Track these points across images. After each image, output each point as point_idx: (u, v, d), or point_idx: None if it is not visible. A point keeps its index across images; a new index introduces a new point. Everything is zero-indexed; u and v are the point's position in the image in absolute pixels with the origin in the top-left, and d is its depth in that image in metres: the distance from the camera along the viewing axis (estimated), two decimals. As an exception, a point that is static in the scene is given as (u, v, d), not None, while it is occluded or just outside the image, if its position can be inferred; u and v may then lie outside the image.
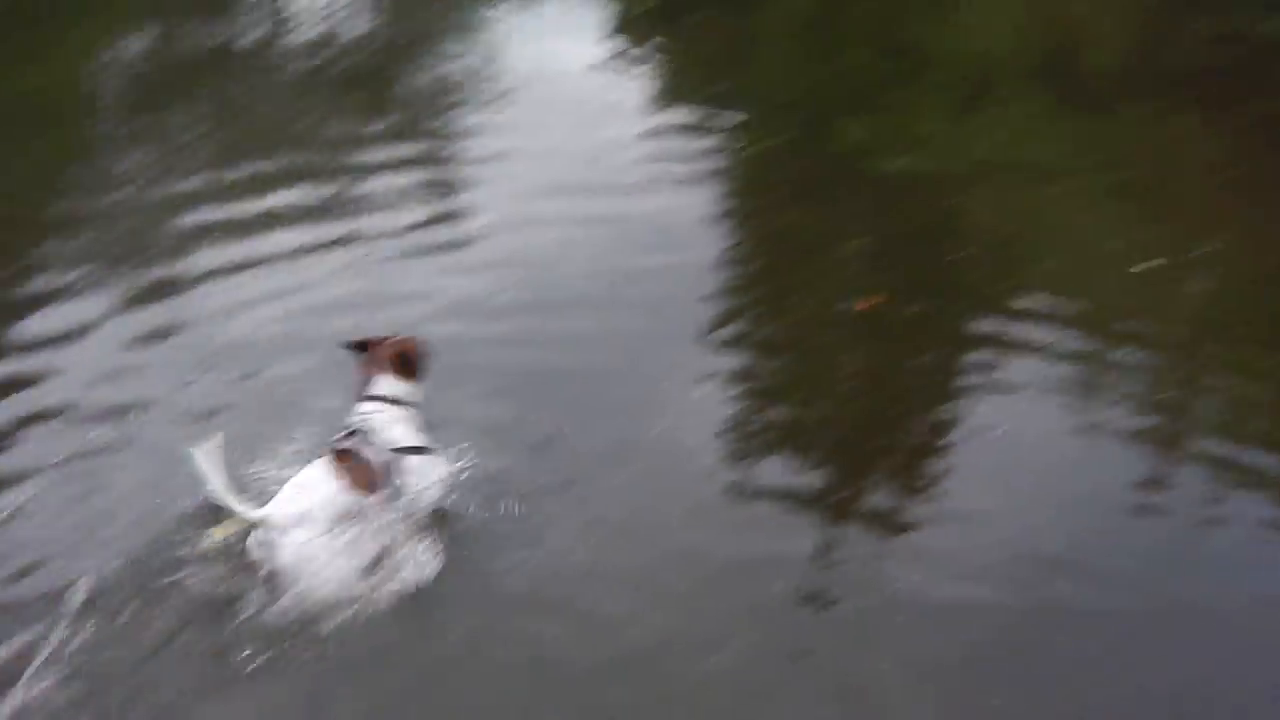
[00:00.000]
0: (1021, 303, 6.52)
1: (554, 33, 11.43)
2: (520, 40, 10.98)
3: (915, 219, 7.59)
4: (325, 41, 10.81)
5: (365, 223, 6.91)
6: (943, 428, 5.52)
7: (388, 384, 4.31)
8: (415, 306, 5.82)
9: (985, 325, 6.31)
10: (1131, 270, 6.90)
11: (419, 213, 7.11)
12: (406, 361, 4.35)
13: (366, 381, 4.32)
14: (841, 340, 5.99)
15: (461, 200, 7.35)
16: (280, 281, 6.15)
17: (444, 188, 7.50)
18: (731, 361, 5.72)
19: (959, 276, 6.82)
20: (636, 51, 11.22)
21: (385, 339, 4.39)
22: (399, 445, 4.20)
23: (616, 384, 5.26)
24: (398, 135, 8.38)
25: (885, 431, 5.39)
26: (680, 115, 9.42)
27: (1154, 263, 6.94)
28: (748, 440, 5.16)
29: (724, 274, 6.67)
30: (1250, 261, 7.48)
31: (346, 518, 3.98)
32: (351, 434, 4.17)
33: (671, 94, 9.99)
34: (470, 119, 8.84)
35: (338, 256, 6.46)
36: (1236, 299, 6.93)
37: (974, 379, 5.86)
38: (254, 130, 8.55)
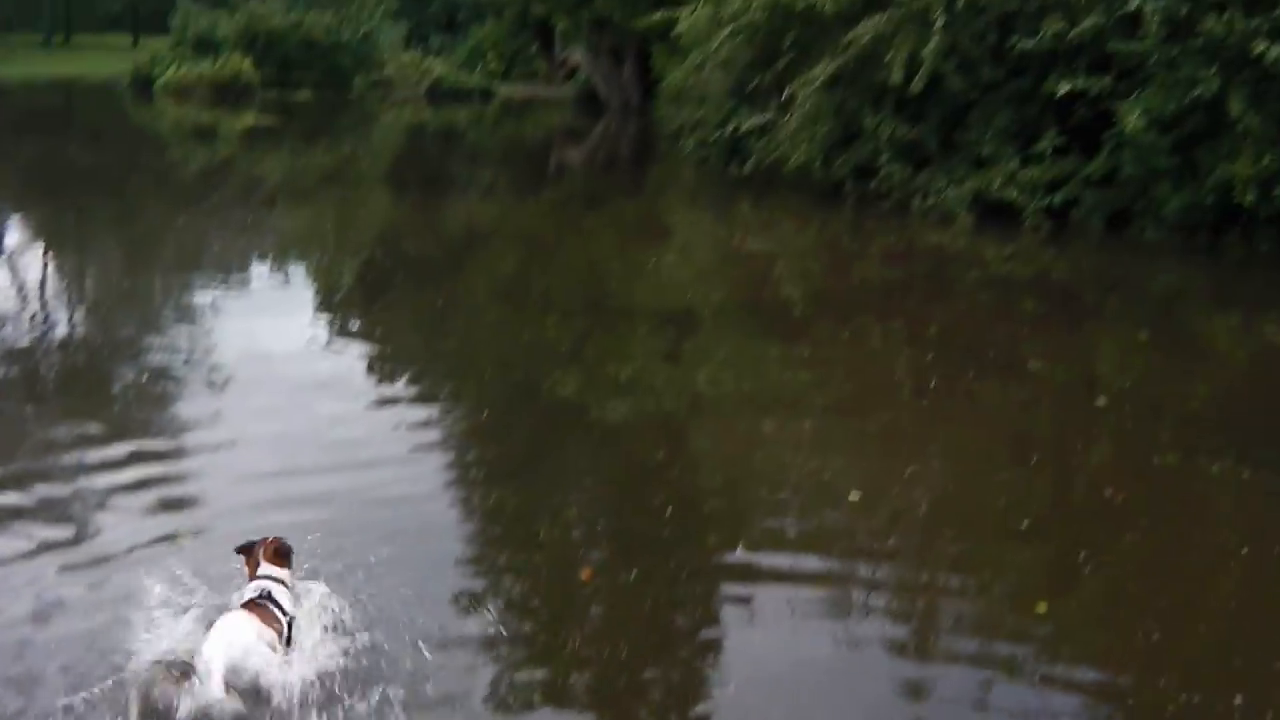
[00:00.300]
0: (754, 535, 6.65)
1: (262, 315, 11.32)
2: (230, 326, 10.81)
3: (637, 464, 7.70)
4: (32, 348, 10.37)
5: (87, 525, 6.51)
6: (701, 666, 5.46)
7: (268, 569, 5.19)
8: (138, 607, 5.46)
9: (723, 560, 6.38)
10: (850, 498, 7.14)
11: (140, 510, 6.74)
12: (280, 552, 5.31)
13: (255, 568, 5.23)
14: (583, 601, 5.90)
15: (185, 492, 7.02)
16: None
17: (166, 483, 7.15)
18: (476, 627, 5.55)
19: (691, 512, 6.89)
20: (345, 328, 11.24)
21: (263, 540, 5.35)
22: (286, 609, 4.99)
23: (362, 656, 5.01)
24: (116, 434, 7.97)
25: (642, 680, 5.29)
26: (395, 389, 9.41)
27: (856, 494, 7.21)
28: (504, 702, 4.99)
29: (458, 545, 6.54)
30: (963, 464, 7.88)
31: (265, 647, 4.67)
32: (257, 598, 4.96)
33: (383, 368, 9.96)
34: (188, 409, 8.51)
35: (57, 559, 6.03)
36: (957, 501, 7.26)
37: (724, 613, 5.86)
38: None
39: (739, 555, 6.37)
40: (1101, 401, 9.42)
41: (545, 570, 6.27)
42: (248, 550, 5.36)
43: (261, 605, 4.90)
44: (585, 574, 6.10)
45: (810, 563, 6.28)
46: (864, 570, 6.25)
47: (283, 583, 5.15)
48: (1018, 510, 6.99)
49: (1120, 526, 6.86)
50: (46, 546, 6.17)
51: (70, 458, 7.50)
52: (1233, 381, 10.45)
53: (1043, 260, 15.48)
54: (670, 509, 6.88)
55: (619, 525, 6.76)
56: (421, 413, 8.65)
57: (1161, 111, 15.33)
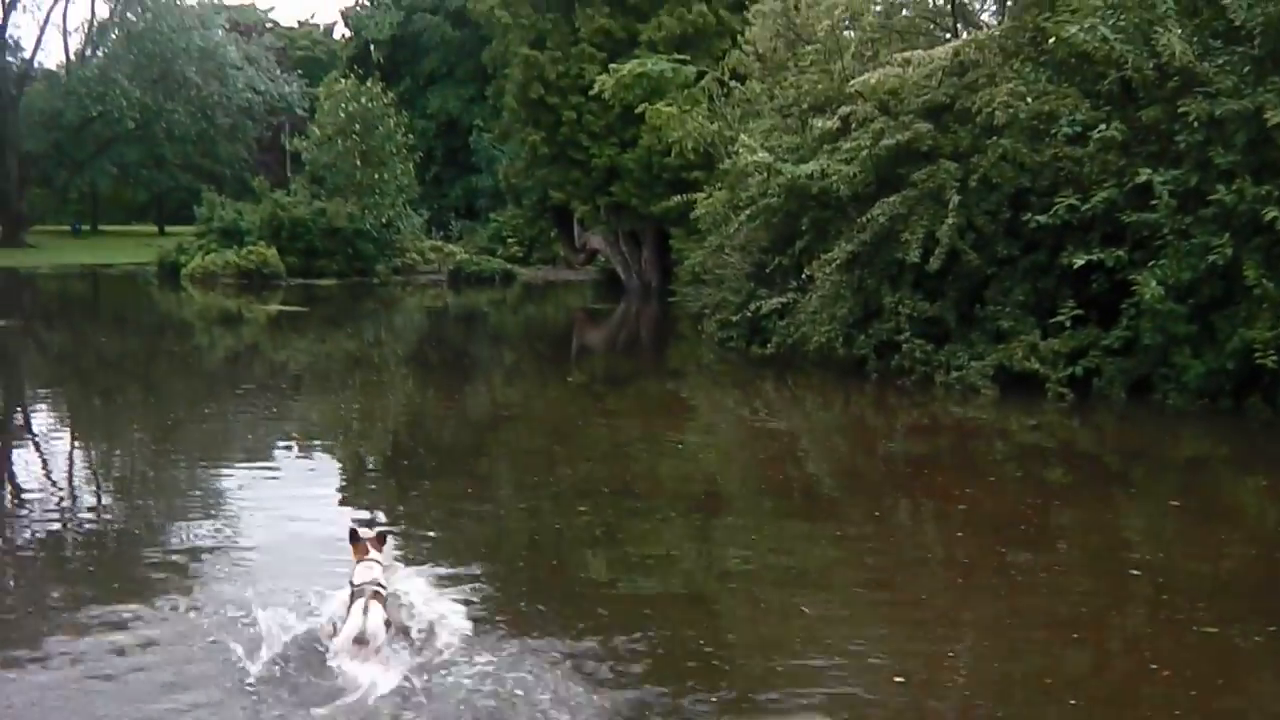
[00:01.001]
0: (795, 711, 6.61)
1: (288, 501, 11.33)
2: (256, 512, 10.77)
3: (674, 644, 7.62)
4: (61, 529, 10.44)
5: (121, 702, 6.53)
6: None
7: (375, 553, 7.45)
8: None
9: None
10: (894, 678, 7.11)
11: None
12: (383, 540, 7.68)
13: (364, 553, 7.44)
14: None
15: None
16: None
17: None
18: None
19: (732, 690, 6.83)
20: (373, 513, 11.21)
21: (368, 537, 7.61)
22: (389, 588, 7.36)
23: None
24: (141, 617, 7.97)
25: None
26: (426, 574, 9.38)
27: (899, 671, 7.15)
28: None
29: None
30: (1002, 639, 7.82)
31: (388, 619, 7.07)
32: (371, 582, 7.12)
33: (414, 554, 9.86)
34: (214, 594, 8.48)
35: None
36: (1001, 678, 7.20)
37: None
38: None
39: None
40: (1135, 571, 9.37)
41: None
42: (355, 539, 7.57)
43: (376, 594, 7.03)
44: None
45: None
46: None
47: (379, 563, 7.34)
48: (1063, 686, 6.94)
49: (1168, 700, 6.79)
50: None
51: (97, 638, 7.51)
52: (1265, 546, 10.38)
53: (1067, 430, 15.52)
54: (710, 688, 6.85)
55: (661, 706, 6.70)
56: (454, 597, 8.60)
57: (1177, 280, 15.54)
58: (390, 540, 7.89)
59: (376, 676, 6.64)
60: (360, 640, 6.79)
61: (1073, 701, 6.74)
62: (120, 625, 7.63)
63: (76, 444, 15.04)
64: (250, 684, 6.69)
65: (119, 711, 6.42)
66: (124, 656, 7.15)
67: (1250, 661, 7.56)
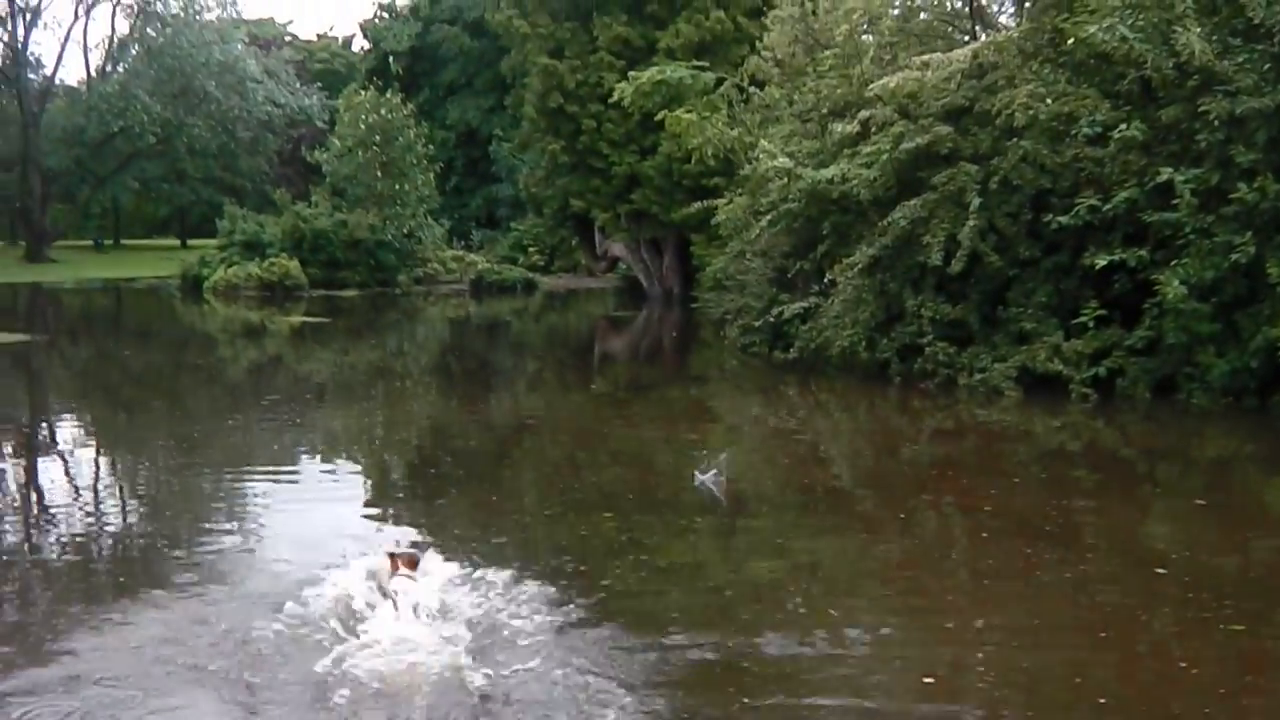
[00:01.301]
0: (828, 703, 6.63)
1: (315, 510, 11.43)
2: (282, 520, 10.88)
3: (702, 650, 7.64)
4: (86, 528, 10.54)
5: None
6: None
7: (407, 571, 7.99)
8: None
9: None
10: (924, 680, 7.13)
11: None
12: (414, 562, 8.15)
13: (395, 570, 7.98)
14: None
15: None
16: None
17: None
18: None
19: (761, 696, 6.86)
20: (399, 523, 11.23)
21: (400, 554, 8.16)
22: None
23: None
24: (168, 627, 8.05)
25: None
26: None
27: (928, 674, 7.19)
28: None
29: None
30: (1031, 639, 7.83)
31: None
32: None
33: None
34: (239, 598, 8.54)
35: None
36: (1032, 679, 7.20)
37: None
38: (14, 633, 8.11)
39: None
40: (1161, 570, 9.36)
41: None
42: (393, 557, 8.11)
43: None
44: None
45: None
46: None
47: (411, 578, 7.90)
48: (1093, 686, 6.94)
49: (1197, 699, 6.80)
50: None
51: (115, 639, 7.61)
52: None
53: (1092, 431, 15.49)
54: (738, 690, 6.88)
55: (690, 707, 6.72)
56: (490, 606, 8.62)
57: (1200, 279, 15.53)
58: (420, 563, 8.22)
59: (420, 642, 7.07)
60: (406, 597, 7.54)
61: (1102, 700, 6.75)
62: (138, 628, 7.74)
63: (103, 455, 15.13)
64: (270, 683, 6.77)
65: (133, 713, 6.49)
66: (141, 657, 7.23)
67: (1278, 659, 7.55)
